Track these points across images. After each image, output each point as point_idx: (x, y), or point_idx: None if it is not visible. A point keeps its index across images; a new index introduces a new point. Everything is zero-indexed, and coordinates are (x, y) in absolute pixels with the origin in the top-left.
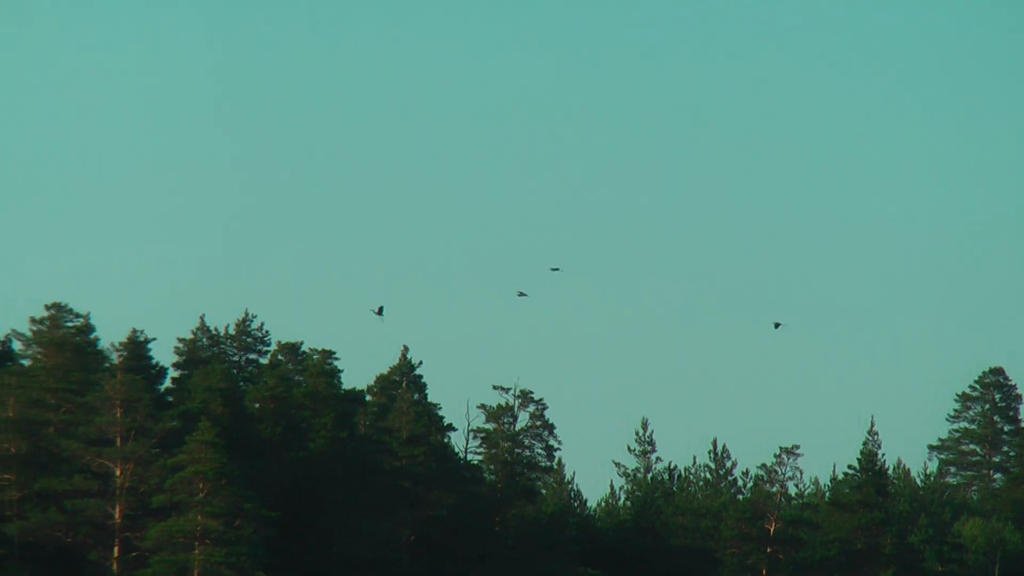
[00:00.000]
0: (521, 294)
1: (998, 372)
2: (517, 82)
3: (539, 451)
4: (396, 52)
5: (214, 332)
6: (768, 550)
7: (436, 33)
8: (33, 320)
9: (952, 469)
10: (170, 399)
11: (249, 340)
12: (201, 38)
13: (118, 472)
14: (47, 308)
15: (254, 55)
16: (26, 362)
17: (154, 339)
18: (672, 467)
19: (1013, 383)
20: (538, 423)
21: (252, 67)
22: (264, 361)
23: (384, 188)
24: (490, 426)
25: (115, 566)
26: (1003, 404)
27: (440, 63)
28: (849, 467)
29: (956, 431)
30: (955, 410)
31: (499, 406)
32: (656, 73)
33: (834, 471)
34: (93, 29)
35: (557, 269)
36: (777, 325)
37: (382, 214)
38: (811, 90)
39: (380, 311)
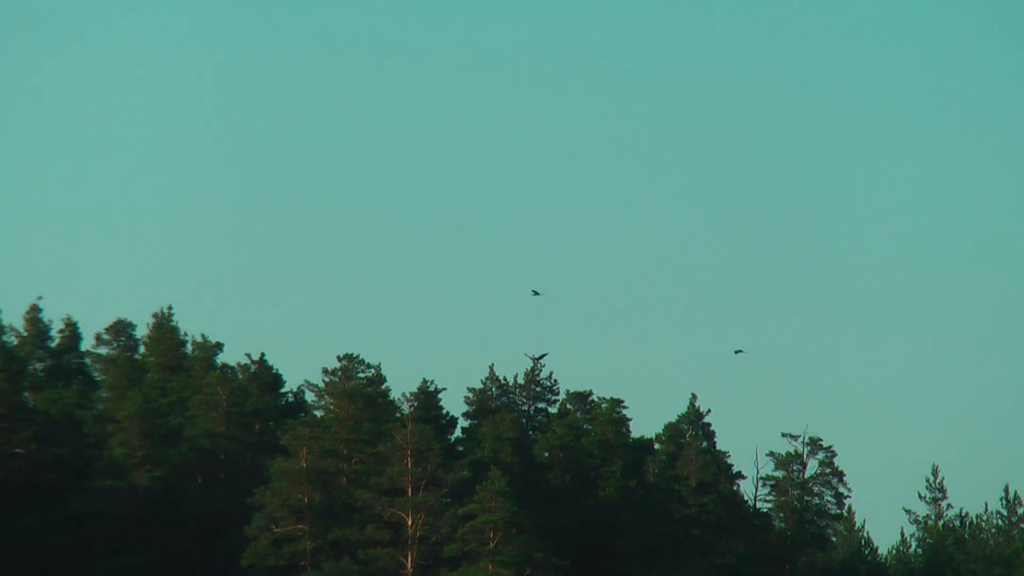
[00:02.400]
0: (535, 293)
1: None
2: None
3: (829, 498)
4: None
5: (503, 382)
6: None
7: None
8: (325, 371)
9: None
10: (461, 449)
11: (538, 389)
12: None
13: (410, 522)
14: (339, 359)
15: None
16: (319, 413)
17: (444, 389)
18: (964, 513)
19: None
20: (828, 470)
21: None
22: (553, 410)
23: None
24: (779, 473)
25: None
26: None
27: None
28: None
29: None
30: None
31: (788, 453)
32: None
33: None
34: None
35: (537, 293)
36: (738, 352)
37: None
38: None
39: (536, 293)
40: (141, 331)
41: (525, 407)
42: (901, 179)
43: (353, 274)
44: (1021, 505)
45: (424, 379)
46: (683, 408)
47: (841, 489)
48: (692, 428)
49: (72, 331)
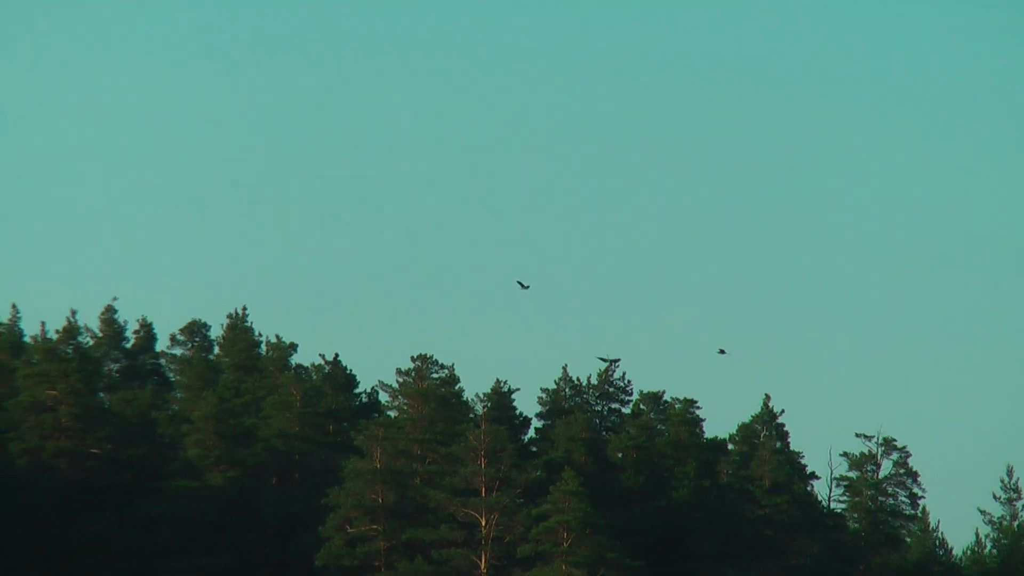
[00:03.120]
0: (522, 285)
1: None
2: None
3: (903, 499)
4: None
5: (576, 382)
6: None
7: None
8: (399, 372)
9: None
10: (534, 449)
11: (611, 390)
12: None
13: (483, 522)
14: (413, 360)
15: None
16: (393, 413)
17: (517, 390)
18: None
19: None
20: (902, 470)
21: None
22: (627, 411)
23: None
24: (853, 474)
25: None
26: None
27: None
28: None
29: None
30: None
31: (862, 454)
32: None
33: None
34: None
35: (527, 287)
36: (722, 351)
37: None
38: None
39: (524, 286)
40: (215, 332)
41: (598, 407)
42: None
43: (427, 274)
44: None
45: (497, 379)
46: (756, 408)
47: (915, 489)
48: (766, 428)
49: (147, 332)
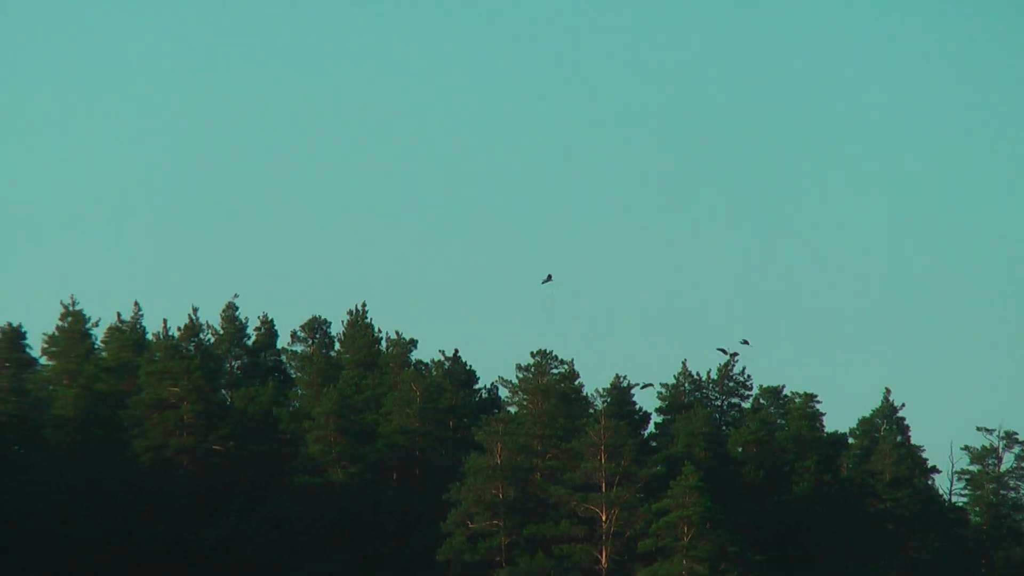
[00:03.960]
0: (548, 280)
1: None
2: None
3: None
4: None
5: (696, 377)
6: None
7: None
8: (519, 367)
9: None
10: (654, 444)
11: (731, 385)
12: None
13: (604, 517)
14: (533, 356)
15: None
16: (513, 409)
17: (637, 385)
18: None
19: None
20: (1023, 464)
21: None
22: (746, 405)
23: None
24: (975, 468)
25: None
26: None
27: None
28: None
29: None
30: None
31: (983, 447)
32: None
33: None
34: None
35: (549, 279)
36: (743, 343)
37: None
38: None
39: (548, 279)
40: (336, 328)
41: (718, 402)
42: None
43: (544, 270)
44: None
45: (617, 375)
46: (877, 402)
47: None
48: (886, 422)
49: (268, 329)
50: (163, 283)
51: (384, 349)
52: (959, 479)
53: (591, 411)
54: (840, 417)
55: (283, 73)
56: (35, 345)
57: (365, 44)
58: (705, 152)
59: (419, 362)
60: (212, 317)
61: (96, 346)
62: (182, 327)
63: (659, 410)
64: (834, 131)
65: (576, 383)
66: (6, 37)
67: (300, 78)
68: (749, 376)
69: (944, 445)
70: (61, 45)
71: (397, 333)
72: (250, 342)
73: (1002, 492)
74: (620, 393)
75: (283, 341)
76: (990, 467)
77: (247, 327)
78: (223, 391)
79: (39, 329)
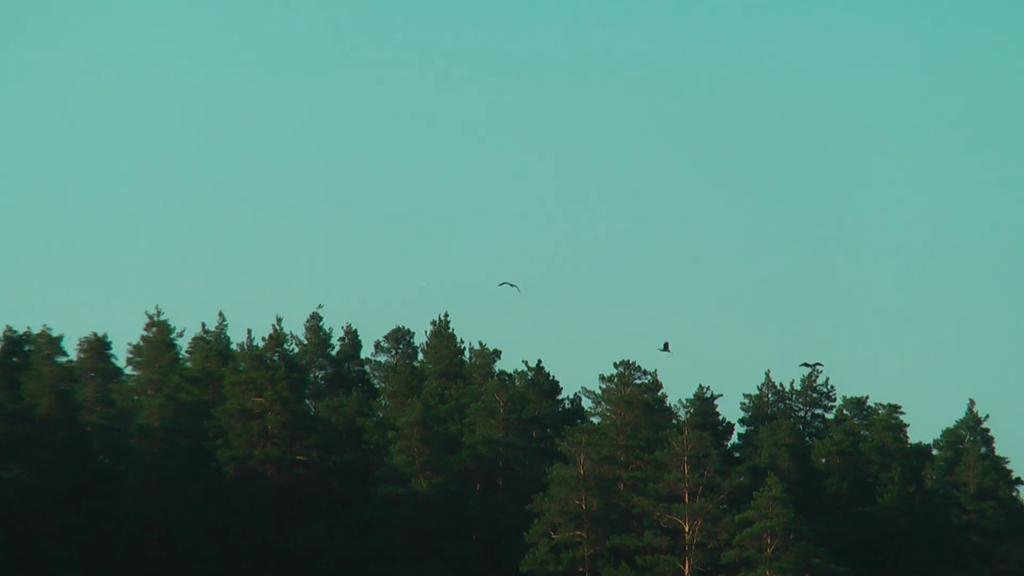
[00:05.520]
0: (511, 285)
1: None
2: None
3: None
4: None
5: (780, 388)
6: None
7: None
8: (603, 378)
9: None
10: (738, 455)
11: (815, 395)
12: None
13: (687, 528)
14: (616, 366)
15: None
16: (596, 420)
17: (720, 395)
18: None
19: None
20: None
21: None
22: (830, 416)
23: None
24: None
25: None
26: None
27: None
28: None
29: None
30: None
31: None
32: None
33: None
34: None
35: (513, 285)
36: (666, 347)
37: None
38: None
39: (666, 347)
40: (419, 338)
41: (802, 413)
42: None
43: (629, 280)
44: None
45: (700, 385)
46: (961, 413)
47: None
48: (971, 434)
49: (352, 339)
50: (247, 293)
51: (467, 359)
52: None
53: (675, 421)
54: (924, 428)
55: (370, 84)
56: (120, 355)
57: (462, 41)
58: (784, 164)
59: (503, 372)
60: (296, 327)
61: (181, 356)
62: (266, 337)
63: (743, 421)
64: (909, 139)
65: (659, 393)
66: (88, 44)
67: (385, 87)
68: (832, 387)
69: None
70: (161, 50)
71: (480, 343)
72: (334, 352)
73: None
74: (704, 404)
75: (367, 351)
76: None
77: (331, 337)
78: (307, 401)
79: (124, 339)
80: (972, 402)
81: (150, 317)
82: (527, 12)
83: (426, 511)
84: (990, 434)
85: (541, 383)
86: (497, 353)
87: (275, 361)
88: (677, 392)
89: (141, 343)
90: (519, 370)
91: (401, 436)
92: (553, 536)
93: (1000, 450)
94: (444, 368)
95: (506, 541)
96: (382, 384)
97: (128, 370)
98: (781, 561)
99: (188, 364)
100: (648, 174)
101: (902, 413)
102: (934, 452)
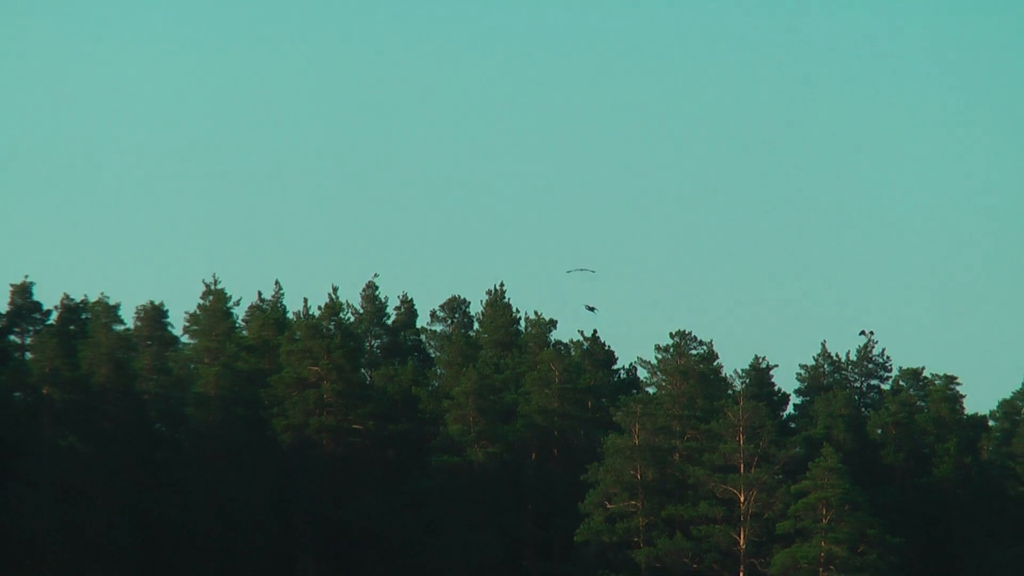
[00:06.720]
0: (590, 308)
1: None
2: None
3: None
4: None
5: (836, 358)
6: None
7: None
8: (658, 348)
9: None
10: (793, 426)
11: (871, 366)
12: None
13: (742, 499)
14: (672, 336)
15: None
16: (652, 390)
17: (776, 366)
18: None
19: None
20: None
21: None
22: (886, 387)
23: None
24: None
25: None
26: None
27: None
28: None
29: None
30: None
31: None
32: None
33: None
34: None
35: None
36: (591, 308)
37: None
38: None
39: (591, 308)
40: (475, 308)
41: (858, 384)
42: None
43: (684, 252)
44: None
45: (756, 356)
46: (1018, 384)
47: None
48: None
49: (408, 308)
50: (304, 262)
51: (523, 329)
52: None
53: (730, 392)
54: (981, 399)
55: (427, 53)
56: (177, 324)
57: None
58: (832, 136)
59: (558, 342)
60: (352, 296)
61: (237, 325)
62: (322, 306)
63: (798, 391)
64: (958, 114)
65: (715, 364)
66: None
67: (421, 66)
68: (888, 358)
69: None
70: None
71: (536, 313)
72: (390, 322)
73: None
74: (759, 374)
75: (422, 321)
76: None
77: (387, 306)
78: (363, 370)
79: (181, 308)
80: None
81: (207, 285)
82: None
83: (481, 481)
84: None
85: (597, 353)
86: (553, 323)
87: (331, 330)
88: (733, 362)
89: (198, 311)
90: (574, 340)
91: (456, 405)
92: (608, 506)
93: None
94: (499, 338)
95: (561, 511)
96: (438, 353)
97: (185, 339)
98: (836, 532)
99: (244, 333)
100: (707, 141)
101: (958, 384)
102: (990, 423)
